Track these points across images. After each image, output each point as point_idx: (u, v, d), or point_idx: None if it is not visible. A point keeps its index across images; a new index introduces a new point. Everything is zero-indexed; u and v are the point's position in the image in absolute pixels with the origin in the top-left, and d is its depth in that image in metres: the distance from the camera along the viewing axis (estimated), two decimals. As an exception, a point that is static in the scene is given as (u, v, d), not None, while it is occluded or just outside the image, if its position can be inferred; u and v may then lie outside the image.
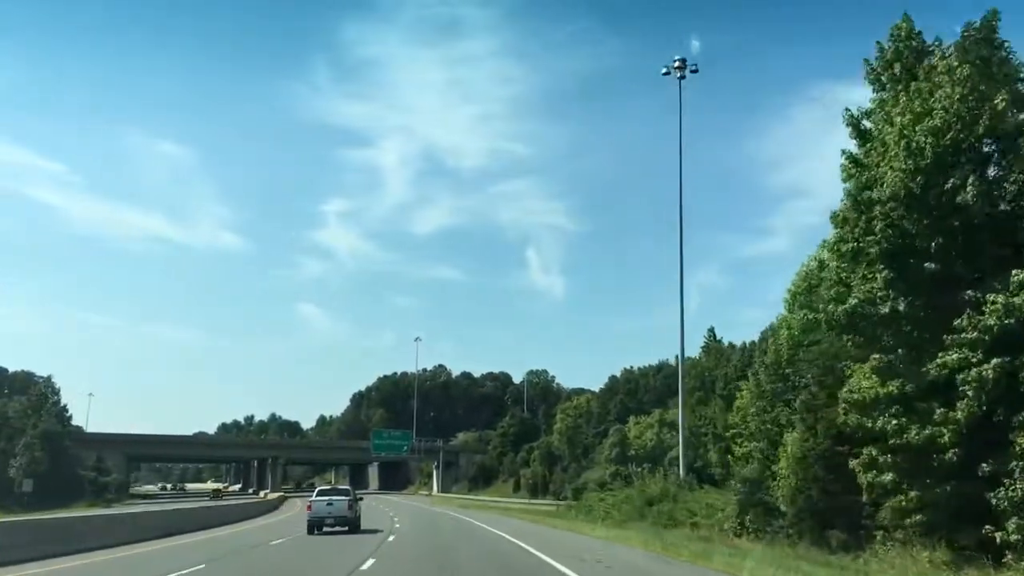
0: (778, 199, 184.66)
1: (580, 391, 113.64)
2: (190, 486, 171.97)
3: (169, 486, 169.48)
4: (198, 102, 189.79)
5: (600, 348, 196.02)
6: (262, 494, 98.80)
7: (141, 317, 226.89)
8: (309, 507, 32.08)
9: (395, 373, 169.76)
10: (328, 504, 31.80)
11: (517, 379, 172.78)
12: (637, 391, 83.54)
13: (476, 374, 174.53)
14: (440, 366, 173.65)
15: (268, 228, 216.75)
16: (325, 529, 31.45)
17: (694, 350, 62.28)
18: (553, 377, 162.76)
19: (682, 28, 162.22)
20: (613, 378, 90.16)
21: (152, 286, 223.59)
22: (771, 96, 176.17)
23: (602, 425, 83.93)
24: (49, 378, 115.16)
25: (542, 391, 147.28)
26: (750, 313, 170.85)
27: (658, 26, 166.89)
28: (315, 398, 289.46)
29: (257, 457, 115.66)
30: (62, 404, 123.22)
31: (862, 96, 21.78)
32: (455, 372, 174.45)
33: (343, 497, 32.58)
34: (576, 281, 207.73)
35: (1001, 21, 19.26)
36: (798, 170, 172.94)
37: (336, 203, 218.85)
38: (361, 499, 35.59)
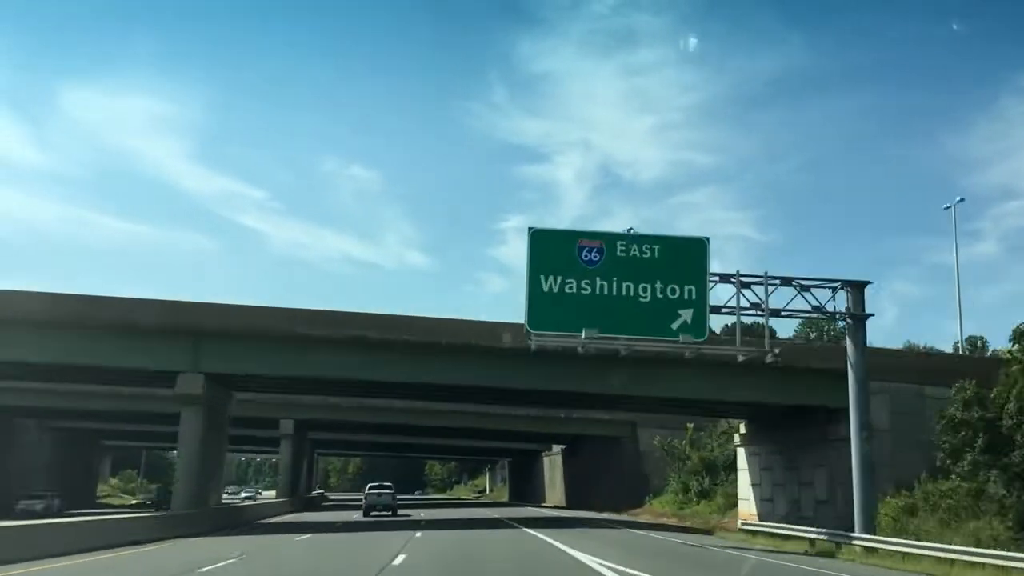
0: (984, 200, 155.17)
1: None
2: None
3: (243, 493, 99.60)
4: (383, 126, 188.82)
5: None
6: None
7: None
8: (365, 498, 46.52)
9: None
10: (378, 496, 46.40)
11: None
12: None
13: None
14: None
15: (452, 246, 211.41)
16: (373, 514, 44.52)
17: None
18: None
19: (867, 21, 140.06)
20: None
21: (349, 304, 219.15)
22: (974, 89, 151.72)
23: None
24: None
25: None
26: (952, 326, 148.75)
27: (843, 21, 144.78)
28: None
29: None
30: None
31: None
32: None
33: (387, 491, 47.04)
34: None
35: None
36: (1008, 168, 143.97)
37: (515, 219, 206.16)
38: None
